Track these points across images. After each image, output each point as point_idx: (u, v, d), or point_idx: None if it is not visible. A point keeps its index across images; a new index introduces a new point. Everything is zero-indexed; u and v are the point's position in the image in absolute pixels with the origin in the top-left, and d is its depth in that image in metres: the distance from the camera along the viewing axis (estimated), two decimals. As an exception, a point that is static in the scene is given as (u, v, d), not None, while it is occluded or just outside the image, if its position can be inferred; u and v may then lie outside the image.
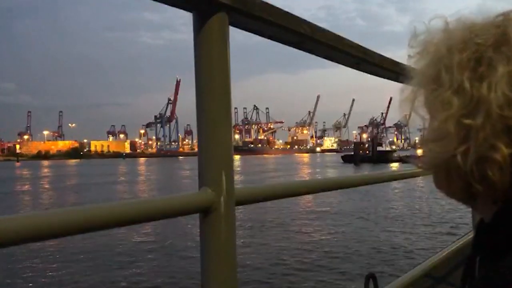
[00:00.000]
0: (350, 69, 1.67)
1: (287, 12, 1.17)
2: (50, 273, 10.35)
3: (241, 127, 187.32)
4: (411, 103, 0.66)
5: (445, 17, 0.65)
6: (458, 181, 0.60)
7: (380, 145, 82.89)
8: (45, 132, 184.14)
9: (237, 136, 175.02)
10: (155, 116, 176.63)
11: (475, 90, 0.56)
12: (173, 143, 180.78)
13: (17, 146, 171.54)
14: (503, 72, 0.56)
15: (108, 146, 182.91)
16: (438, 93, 0.60)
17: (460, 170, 0.58)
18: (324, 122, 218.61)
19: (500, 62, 0.56)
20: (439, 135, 0.59)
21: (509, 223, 0.58)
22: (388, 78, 1.90)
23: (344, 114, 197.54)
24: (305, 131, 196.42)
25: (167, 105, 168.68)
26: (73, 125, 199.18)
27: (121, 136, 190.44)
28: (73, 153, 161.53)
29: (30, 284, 9.71)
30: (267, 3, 1.08)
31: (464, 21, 0.64)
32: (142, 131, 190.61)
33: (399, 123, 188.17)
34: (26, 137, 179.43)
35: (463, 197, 0.64)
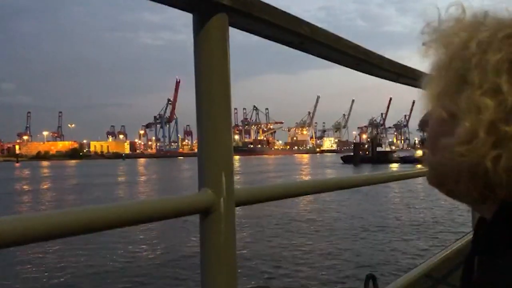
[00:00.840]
0: (350, 69, 1.67)
1: (287, 13, 1.17)
2: (49, 274, 10.34)
3: (240, 127, 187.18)
4: (431, 100, 0.64)
5: (463, 6, 0.63)
6: (481, 187, 0.58)
7: (380, 145, 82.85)
8: (45, 133, 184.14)
9: (236, 137, 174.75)
10: (155, 117, 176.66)
11: None
12: (172, 143, 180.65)
13: (17, 147, 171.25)
14: None
15: (108, 146, 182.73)
16: (468, 93, 0.57)
17: (487, 175, 0.56)
18: (323, 122, 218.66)
19: None
20: (467, 138, 0.56)
21: (509, 221, 0.57)
22: (387, 79, 1.90)
23: (344, 115, 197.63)
24: (304, 132, 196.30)
25: (167, 105, 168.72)
26: (73, 125, 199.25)
27: (121, 136, 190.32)
28: (72, 153, 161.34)
29: (30, 284, 9.71)
30: (266, 4, 1.08)
31: (493, 16, 0.61)
32: (142, 132, 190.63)
33: (398, 123, 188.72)
34: (25, 137, 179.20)
35: (473, 200, 0.61)
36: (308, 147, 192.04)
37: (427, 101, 0.65)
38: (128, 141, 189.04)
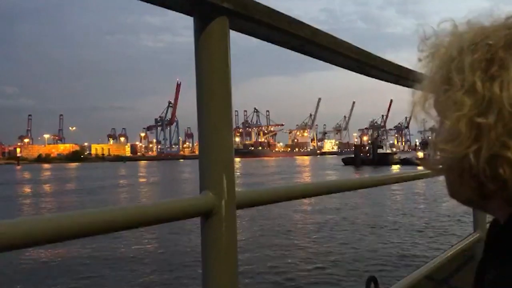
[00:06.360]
0: (350, 71, 1.67)
1: (287, 16, 1.16)
2: (49, 275, 10.33)
3: (241, 130, 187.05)
4: (422, 105, 0.67)
5: (454, 20, 0.66)
6: (471, 182, 0.60)
7: (381, 147, 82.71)
8: (46, 136, 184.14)
9: (237, 139, 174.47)
10: (156, 119, 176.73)
11: (487, 90, 0.57)
12: (173, 146, 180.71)
13: (18, 150, 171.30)
14: None
15: (109, 149, 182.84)
16: (449, 93, 0.61)
17: (472, 169, 0.58)
18: (324, 124, 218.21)
19: (511, 62, 0.57)
20: (451, 135, 0.59)
21: None
22: (388, 81, 1.91)
23: (345, 117, 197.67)
24: (305, 134, 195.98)
25: (168, 108, 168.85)
26: (74, 128, 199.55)
27: (122, 139, 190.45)
28: (73, 156, 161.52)
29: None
30: (267, 7, 1.08)
31: (473, 23, 0.64)
32: (143, 134, 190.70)
33: (399, 125, 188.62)
34: (26, 140, 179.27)
35: (475, 199, 0.63)
36: (309, 149, 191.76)
37: (418, 107, 0.68)
38: (129, 144, 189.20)
